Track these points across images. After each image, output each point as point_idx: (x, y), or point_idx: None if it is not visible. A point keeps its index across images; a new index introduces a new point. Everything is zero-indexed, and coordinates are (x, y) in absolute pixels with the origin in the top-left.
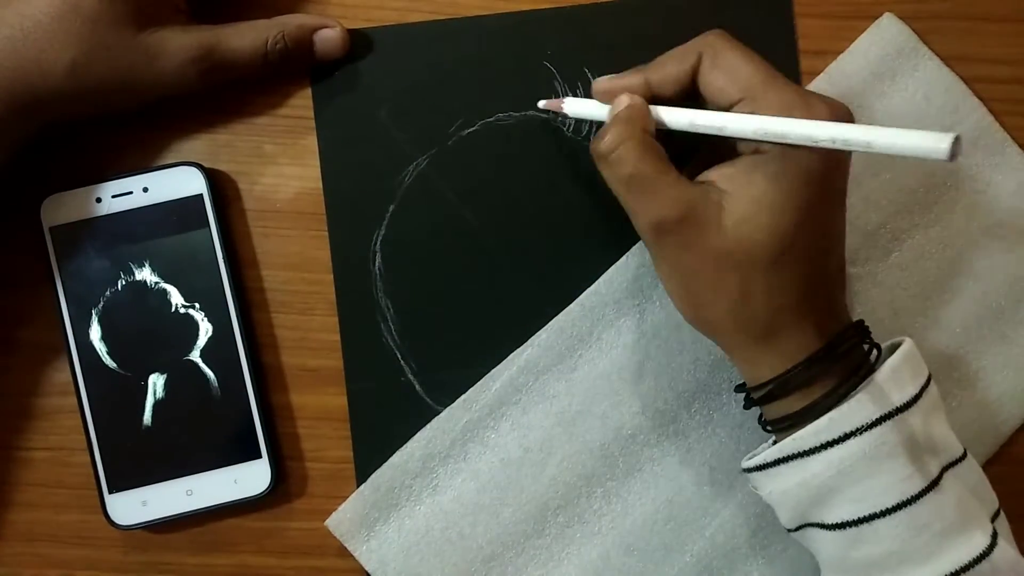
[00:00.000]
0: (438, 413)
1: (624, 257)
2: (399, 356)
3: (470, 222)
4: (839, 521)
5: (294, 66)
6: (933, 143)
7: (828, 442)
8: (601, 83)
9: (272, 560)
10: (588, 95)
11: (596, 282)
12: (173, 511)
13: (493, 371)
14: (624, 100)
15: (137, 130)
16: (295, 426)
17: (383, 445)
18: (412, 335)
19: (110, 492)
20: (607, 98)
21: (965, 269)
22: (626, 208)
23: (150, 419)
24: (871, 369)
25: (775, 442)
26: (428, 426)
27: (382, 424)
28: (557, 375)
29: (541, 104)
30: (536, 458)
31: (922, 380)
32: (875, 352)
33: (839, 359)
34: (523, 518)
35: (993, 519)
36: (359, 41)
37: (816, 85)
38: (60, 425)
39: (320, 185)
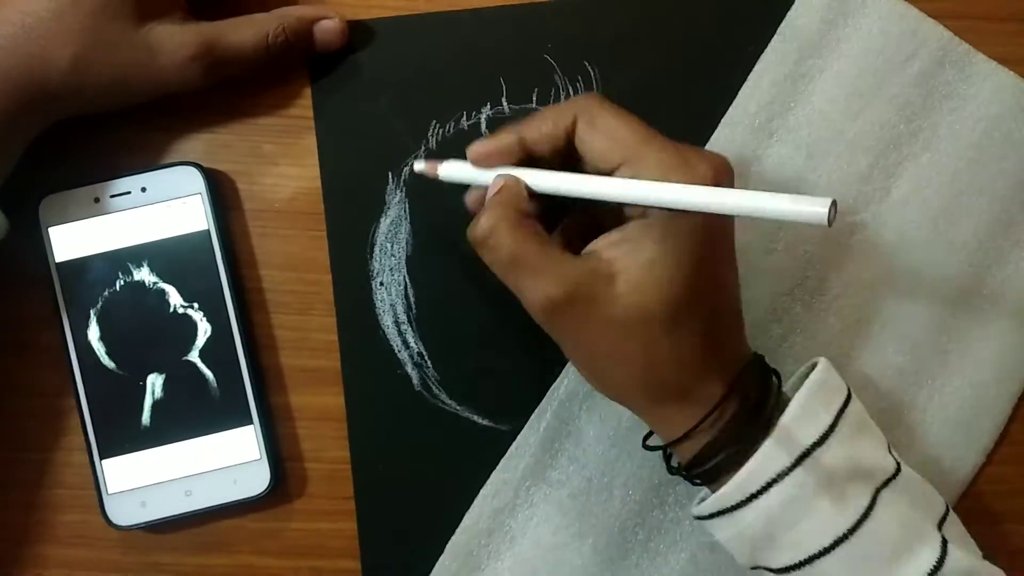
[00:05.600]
0: (437, 411)
1: None
2: (396, 352)
3: (470, 215)
4: (783, 566)
5: (294, 58)
6: (810, 207)
7: (752, 494)
8: (475, 148)
9: (271, 561)
10: (588, 89)
11: None
12: (172, 511)
13: (537, 410)
14: (498, 182)
15: (135, 130)
16: (294, 427)
17: (381, 444)
18: (412, 330)
19: (109, 492)
20: (483, 162)
21: (967, 187)
22: (513, 291)
23: (149, 419)
24: (778, 407)
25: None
26: (488, 482)
27: (380, 423)
28: (599, 397)
29: (416, 168)
30: (601, 483)
31: (838, 404)
32: (776, 381)
33: (744, 403)
34: (604, 545)
35: (941, 524)
36: (359, 32)
37: (772, 46)
38: (59, 425)
39: (319, 185)
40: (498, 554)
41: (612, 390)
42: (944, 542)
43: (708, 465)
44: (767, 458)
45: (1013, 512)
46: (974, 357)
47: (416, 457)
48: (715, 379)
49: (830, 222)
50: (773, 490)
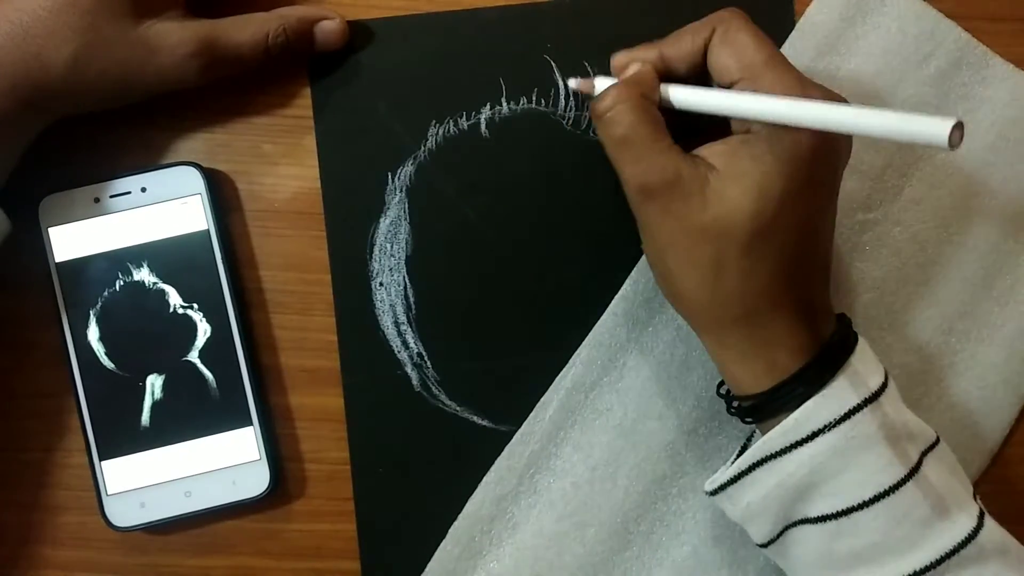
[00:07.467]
0: (436, 412)
1: (644, 256)
2: (395, 353)
3: (469, 215)
4: (821, 515)
5: (293, 57)
6: (933, 128)
7: (813, 432)
8: (618, 57)
9: (271, 562)
10: None
11: (623, 287)
12: (171, 512)
13: (543, 399)
14: (633, 66)
15: (135, 130)
16: (294, 427)
17: (381, 445)
18: (412, 331)
19: (108, 493)
20: (622, 71)
21: (980, 188)
22: (616, 168)
23: (148, 420)
24: (846, 356)
25: (737, 457)
26: (493, 468)
27: (380, 424)
28: (606, 388)
29: (572, 85)
30: (605, 474)
31: (884, 369)
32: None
33: (822, 350)
34: (607, 535)
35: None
36: (359, 33)
37: (790, 41)
38: (58, 426)
39: (318, 185)
40: (500, 541)
41: (675, 294)
42: (981, 513)
43: (775, 404)
44: (835, 396)
45: (1019, 514)
46: (982, 359)
47: (416, 458)
48: (781, 320)
49: (952, 145)
50: (820, 438)
